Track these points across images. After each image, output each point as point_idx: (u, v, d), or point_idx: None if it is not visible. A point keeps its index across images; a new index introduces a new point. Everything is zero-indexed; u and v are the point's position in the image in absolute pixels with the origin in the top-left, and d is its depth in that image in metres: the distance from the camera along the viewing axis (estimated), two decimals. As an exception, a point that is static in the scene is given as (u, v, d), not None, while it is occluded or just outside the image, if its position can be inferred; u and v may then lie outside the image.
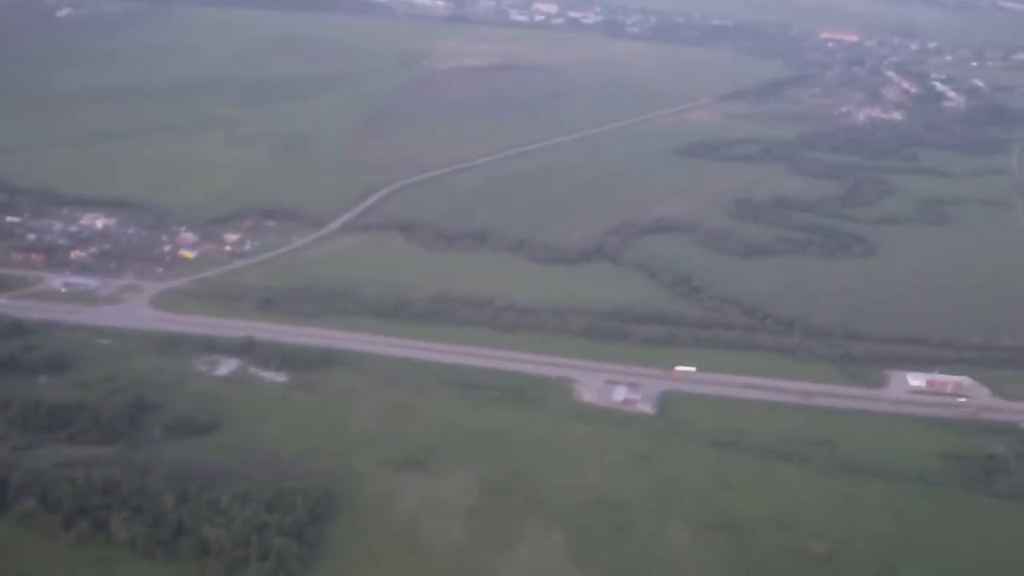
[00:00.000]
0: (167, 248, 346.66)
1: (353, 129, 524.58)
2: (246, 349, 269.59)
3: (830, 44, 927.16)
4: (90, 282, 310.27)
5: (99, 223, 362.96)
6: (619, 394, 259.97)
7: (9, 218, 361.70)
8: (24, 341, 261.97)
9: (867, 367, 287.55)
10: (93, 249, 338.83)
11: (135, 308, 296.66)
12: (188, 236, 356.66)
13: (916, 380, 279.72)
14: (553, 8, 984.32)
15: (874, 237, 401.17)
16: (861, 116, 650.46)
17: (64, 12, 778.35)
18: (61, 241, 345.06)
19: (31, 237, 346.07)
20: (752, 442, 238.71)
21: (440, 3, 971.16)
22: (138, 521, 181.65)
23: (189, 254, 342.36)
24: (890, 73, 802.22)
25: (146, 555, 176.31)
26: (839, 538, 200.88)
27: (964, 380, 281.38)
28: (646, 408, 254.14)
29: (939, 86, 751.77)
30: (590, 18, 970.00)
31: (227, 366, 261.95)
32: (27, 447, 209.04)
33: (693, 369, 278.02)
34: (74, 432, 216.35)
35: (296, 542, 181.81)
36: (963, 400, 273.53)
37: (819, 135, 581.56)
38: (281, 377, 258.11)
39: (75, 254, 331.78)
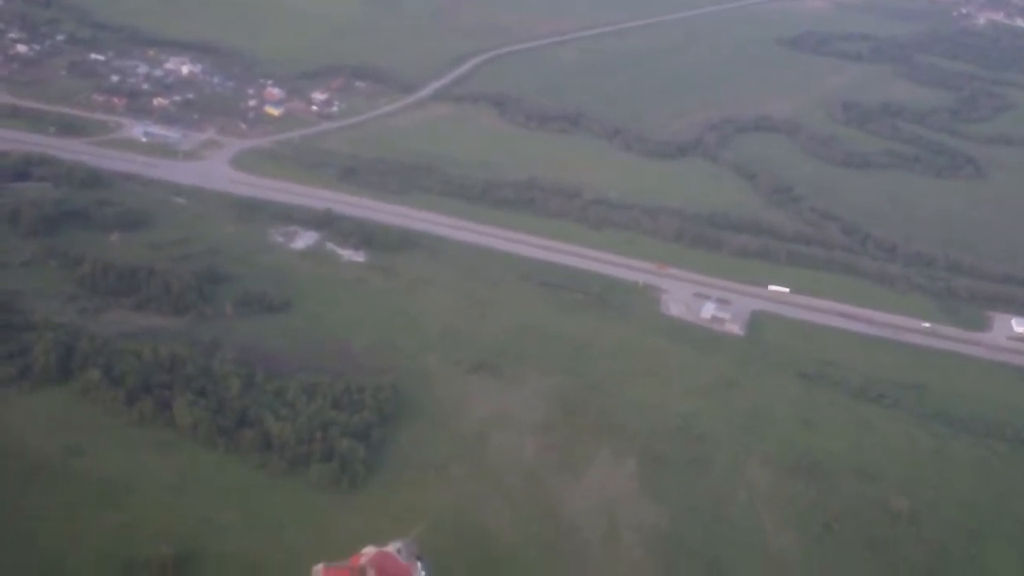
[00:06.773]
0: (252, 103, 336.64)
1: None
2: (326, 222, 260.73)
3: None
4: (171, 133, 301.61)
5: (184, 69, 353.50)
6: (708, 310, 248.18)
7: (93, 55, 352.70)
8: (100, 194, 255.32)
9: (969, 306, 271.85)
10: (176, 97, 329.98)
11: (215, 166, 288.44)
12: (275, 91, 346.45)
13: (1022, 327, 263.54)
14: None
15: (985, 158, 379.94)
16: (982, 19, 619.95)
17: None
18: (144, 86, 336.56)
19: (114, 78, 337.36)
20: (841, 377, 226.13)
21: None
22: (202, 405, 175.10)
23: (274, 111, 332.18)
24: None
25: (208, 443, 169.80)
26: (924, 497, 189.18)
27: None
28: (735, 328, 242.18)
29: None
30: None
31: (305, 239, 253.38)
32: (95, 310, 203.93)
33: (786, 290, 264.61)
34: (143, 299, 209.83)
35: (362, 445, 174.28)
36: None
37: (935, 37, 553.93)
38: (359, 257, 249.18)
39: (158, 101, 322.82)
